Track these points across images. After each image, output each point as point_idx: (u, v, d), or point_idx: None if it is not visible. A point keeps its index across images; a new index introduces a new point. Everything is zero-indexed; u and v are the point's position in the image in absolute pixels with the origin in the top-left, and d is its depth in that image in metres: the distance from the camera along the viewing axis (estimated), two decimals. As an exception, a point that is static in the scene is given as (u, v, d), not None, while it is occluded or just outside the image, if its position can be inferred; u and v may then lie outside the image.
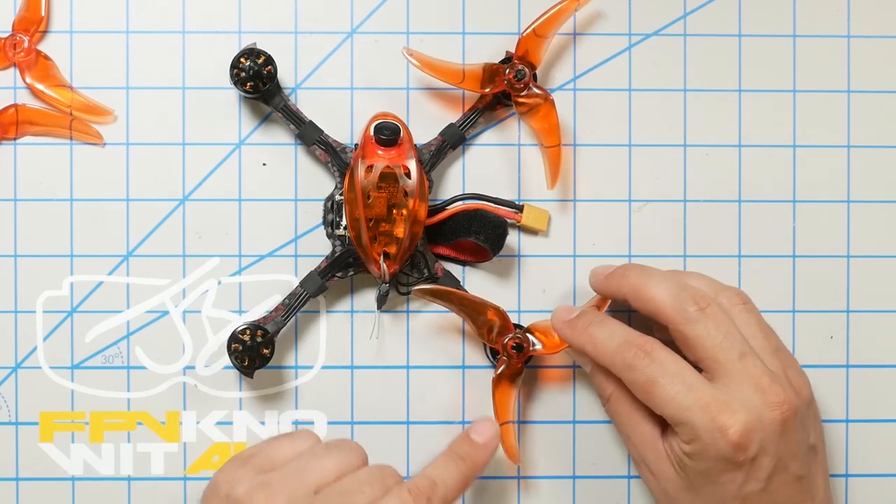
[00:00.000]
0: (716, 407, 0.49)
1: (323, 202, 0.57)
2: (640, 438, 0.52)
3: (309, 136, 0.56)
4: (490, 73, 0.56)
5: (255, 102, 0.58)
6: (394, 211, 0.54)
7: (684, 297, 0.51)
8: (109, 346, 0.57)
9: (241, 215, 0.58)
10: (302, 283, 0.56)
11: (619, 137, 0.58)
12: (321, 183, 0.58)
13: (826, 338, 0.59)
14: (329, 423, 0.58)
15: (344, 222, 0.55)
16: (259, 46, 0.56)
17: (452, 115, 0.58)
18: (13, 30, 0.57)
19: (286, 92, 0.57)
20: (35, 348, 0.57)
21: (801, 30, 0.59)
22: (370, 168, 0.53)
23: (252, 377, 0.55)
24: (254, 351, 0.55)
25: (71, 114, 0.57)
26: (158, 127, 0.57)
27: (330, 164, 0.56)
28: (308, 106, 0.57)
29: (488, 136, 0.58)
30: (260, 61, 0.55)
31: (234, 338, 0.55)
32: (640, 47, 0.59)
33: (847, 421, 0.58)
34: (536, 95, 0.56)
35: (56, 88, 0.57)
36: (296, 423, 0.58)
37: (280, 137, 0.58)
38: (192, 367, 0.57)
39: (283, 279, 0.57)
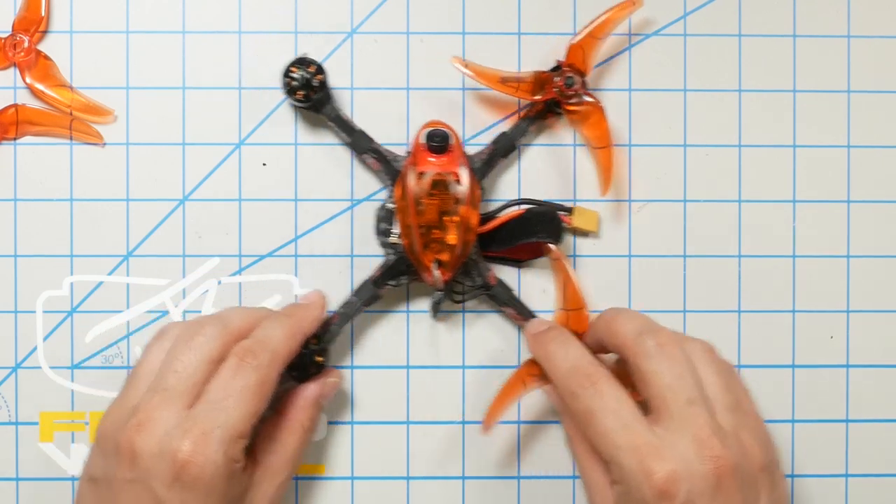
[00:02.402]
0: (646, 450, 0.47)
1: (375, 212, 0.57)
2: (591, 482, 0.51)
3: (360, 144, 0.56)
4: (540, 81, 0.56)
5: (255, 102, 0.58)
6: (445, 218, 0.54)
7: (647, 332, 0.50)
8: (109, 346, 0.57)
9: (241, 215, 0.58)
10: (356, 293, 0.56)
11: (619, 138, 0.58)
12: (322, 182, 0.58)
13: (826, 338, 0.59)
14: (329, 423, 0.58)
15: (396, 230, 0.55)
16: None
17: (455, 117, 0.58)
18: (13, 30, 0.57)
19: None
20: (35, 348, 0.57)
21: (801, 30, 0.59)
22: (421, 175, 0.53)
23: None
24: (307, 359, 0.55)
25: (71, 114, 0.57)
26: (158, 127, 0.57)
27: (381, 173, 0.57)
28: (308, 106, 0.57)
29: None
30: (311, 70, 0.55)
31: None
32: (640, 47, 0.59)
33: (847, 421, 0.58)
34: (587, 103, 0.56)
35: (56, 88, 0.57)
36: (296, 423, 0.58)
37: (280, 137, 0.58)
38: (192, 367, 0.57)
39: (283, 279, 0.57)
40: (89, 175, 0.57)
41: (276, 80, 0.57)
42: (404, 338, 0.58)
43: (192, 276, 0.57)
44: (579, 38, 0.56)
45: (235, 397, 0.49)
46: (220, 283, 0.58)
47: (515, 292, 0.57)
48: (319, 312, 0.55)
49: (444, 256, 0.54)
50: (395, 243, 0.56)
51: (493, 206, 0.57)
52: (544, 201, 0.57)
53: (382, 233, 0.56)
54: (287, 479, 0.52)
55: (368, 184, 0.58)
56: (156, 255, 0.57)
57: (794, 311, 0.59)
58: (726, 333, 0.58)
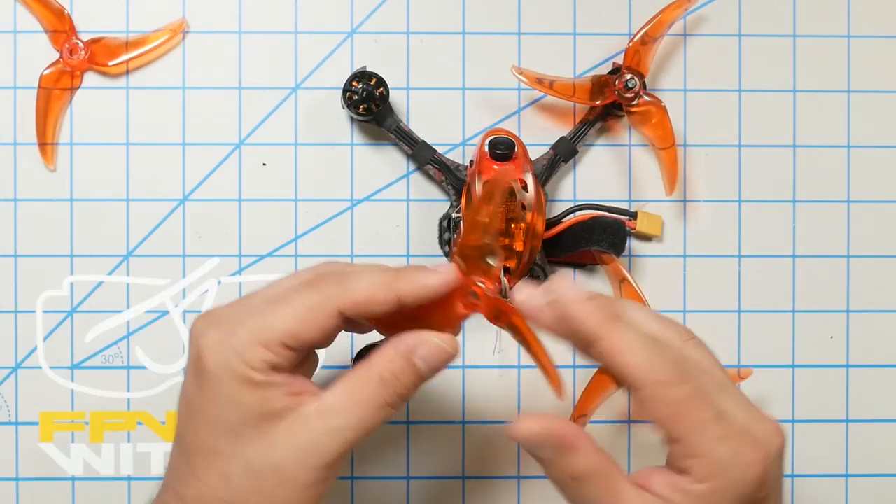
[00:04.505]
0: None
1: (439, 221, 0.57)
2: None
3: (422, 155, 0.56)
4: (599, 84, 0.56)
5: (255, 102, 0.58)
6: (512, 225, 0.54)
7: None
8: (109, 346, 0.57)
9: (241, 215, 0.58)
10: None
11: (619, 138, 0.58)
12: (322, 182, 0.58)
13: (826, 338, 0.59)
14: (329, 423, 0.58)
15: None
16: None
17: (454, 118, 0.58)
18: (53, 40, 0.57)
19: (288, 94, 0.57)
20: (35, 348, 0.57)
21: (801, 30, 0.59)
22: (487, 184, 0.53)
23: None
24: None
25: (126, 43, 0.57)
26: (158, 127, 0.57)
27: (444, 183, 0.57)
28: (308, 106, 0.57)
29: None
30: (372, 83, 0.55)
31: (358, 357, 0.54)
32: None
33: (847, 421, 0.58)
34: (648, 103, 0.56)
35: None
36: (296, 423, 0.58)
37: (280, 137, 0.58)
38: (192, 367, 0.57)
39: (283, 279, 0.57)
40: (89, 174, 0.57)
41: (276, 80, 0.57)
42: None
43: (192, 276, 0.57)
44: (635, 39, 0.56)
45: (278, 309, 0.44)
46: (220, 283, 0.58)
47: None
48: (435, 281, 0.44)
49: (511, 263, 0.54)
50: None
51: (552, 209, 0.57)
52: (608, 206, 0.57)
53: (447, 242, 0.56)
54: (346, 432, 0.43)
55: (369, 184, 0.58)
56: (156, 255, 0.57)
57: (794, 311, 0.59)
58: (727, 333, 0.58)
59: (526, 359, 0.58)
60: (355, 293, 0.44)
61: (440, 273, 0.45)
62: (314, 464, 0.44)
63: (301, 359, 0.45)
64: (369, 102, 0.55)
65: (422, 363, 0.45)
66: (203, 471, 0.44)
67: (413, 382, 0.45)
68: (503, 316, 0.45)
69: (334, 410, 0.44)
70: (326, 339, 0.45)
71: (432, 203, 0.58)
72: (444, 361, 0.45)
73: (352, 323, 0.46)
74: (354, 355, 0.55)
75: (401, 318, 0.45)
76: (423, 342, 0.45)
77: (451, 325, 0.46)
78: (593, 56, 0.58)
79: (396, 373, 0.45)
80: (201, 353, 0.43)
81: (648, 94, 0.56)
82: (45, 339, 0.57)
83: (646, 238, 0.58)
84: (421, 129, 0.57)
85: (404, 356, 0.45)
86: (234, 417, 0.43)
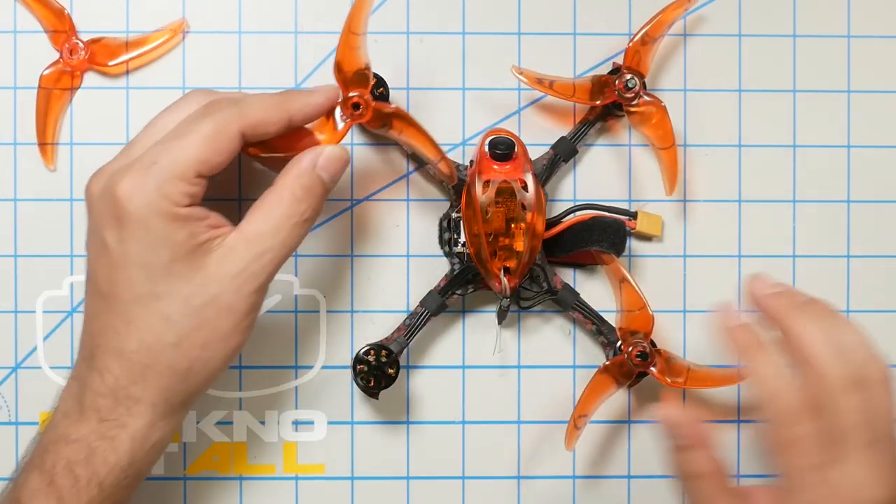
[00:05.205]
0: None
1: (439, 221, 0.57)
2: None
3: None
4: (599, 84, 0.56)
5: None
6: (512, 225, 0.54)
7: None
8: (109, 346, 0.57)
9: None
10: (422, 303, 0.56)
11: (619, 138, 0.58)
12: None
13: (826, 338, 0.59)
14: (329, 423, 0.58)
15: (462, 239, 0.55)
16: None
17: (454, 118, 0.58)
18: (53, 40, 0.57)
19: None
20: (35, 348, 0.57)
21: (801, 30, 0.59)
22: (487, 184, 0.53)
23: (378, 398, 0.56)
24: (379, 371, 0.55)
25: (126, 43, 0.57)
26: (158, 127, 0.57)
27: (444, 183, 0.57)
28: (308, 106, 0.57)
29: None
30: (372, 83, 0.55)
31: (358, 359, 0.55)
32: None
33: (847, 421, 0.58)
34: (648, 103, 0.56)
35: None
36: (296, 423, 0.58)
37: (280, 137, 0.58)
38: (192, 367, 0.57)
39: (283, 279, 0.57)
40: (89, 174, 0.57)
41: (276, 80, 0.57)
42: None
43: (192, 276, 0.57)
44: (635, 39, 0.56)
45: (183, 140, 0.46)
46: (220, 283, 0.57)
47: (580, 296, 0.57)
48: (319, 98, 0.50)
49: (512, 263, 0.54)
50: (461, 252, 0.55)
51: (552, 209, 0.57)
52: (608, 206, 0.57)
53: (447, 242, 0.56)
54: (272, 252, 0.47)
55: (369, 184, 0.58)
56: (156, 255, 0.57)
57: (794, 311, 0.58)
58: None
59: (526, 359, 0.58)
60: (251, 115, 0.47)
61: (321, 91, 0.50)
62: (248, 289, 0.47)
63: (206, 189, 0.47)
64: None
65: (324, 173, 0.49)
66: (143, 319, 0.46)
67: (321, 194, 0.49)
68: (385, 117, 0.51)
69: (259, 235, 0.47)
70: (228, 163, 0.48)
71: (432, 203, 0.58)
72: (342, 167, 0.49)
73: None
74: (354, 356, 0.56)
75: (289, 147, 0.50)
76: (320, 153, 0.49)
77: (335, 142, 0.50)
78: (593, 56, 0.58)
79: (307, 186, 0.48)
80: (120, 202, 0.45)
81: (648, 94, 0.56)
82: (45, 339, 0.57)
83: (646, 238, 0.58)
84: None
85: (309, 170, 0.48)
86: (166, 257, 0.46)
